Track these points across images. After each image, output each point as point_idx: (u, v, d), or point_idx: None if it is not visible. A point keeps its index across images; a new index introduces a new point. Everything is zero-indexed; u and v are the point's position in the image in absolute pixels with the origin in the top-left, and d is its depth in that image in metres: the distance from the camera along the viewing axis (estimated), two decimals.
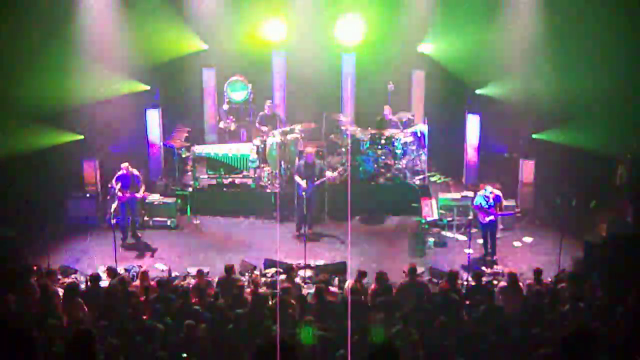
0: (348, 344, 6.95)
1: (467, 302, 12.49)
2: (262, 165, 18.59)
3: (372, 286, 12.91)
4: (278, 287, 12.56)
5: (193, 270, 14.61)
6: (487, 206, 15.66)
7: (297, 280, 14.16)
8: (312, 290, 12.75)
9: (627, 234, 14.99)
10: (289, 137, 18.38)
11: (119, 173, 16.60)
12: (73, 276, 14.87)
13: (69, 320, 11.64)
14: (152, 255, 16.33)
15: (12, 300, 12.03)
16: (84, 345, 6.50)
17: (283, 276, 13.82)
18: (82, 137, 18.38)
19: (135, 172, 16.73)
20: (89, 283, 13.38)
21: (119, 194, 16.45)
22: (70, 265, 15.44)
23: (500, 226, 16.56)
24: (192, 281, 14.08)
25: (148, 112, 19.48)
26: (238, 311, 11.53)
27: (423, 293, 12.65)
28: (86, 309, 12.05)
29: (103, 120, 18.85)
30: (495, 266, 15.50)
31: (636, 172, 17.14)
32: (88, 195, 17.95)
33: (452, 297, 12.27)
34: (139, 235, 16.94)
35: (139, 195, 16.69)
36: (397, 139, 18.37)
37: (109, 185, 17.02)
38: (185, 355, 10.38)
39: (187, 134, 19.54)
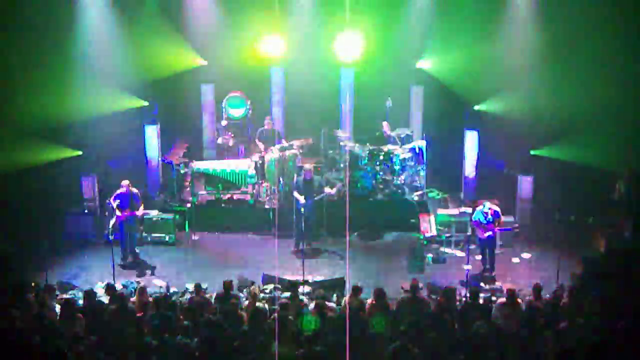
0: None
1: (465, 319, 12.44)
2: (261, 181, 18.60)
3: (370, 302, 12.87)
4: (277, 303, 12.50)
5: (191, 286, 14.56)
6: (485, 222, 15.65)
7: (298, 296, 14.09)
8: (312, 306, 12.69)
9: (626, 249, 14.98)
10: (287, 152, 18.39)
11: (119, 191, 16.45)
12: (71, 292, 14.81)
13: (67, 336, 11.56)
14: (150, 272, 16.29)
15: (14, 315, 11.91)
16: None
17: (287, 293, 13.74)
18: (80, 152, 18.37)
19: (135, 190, 16.63)
20: (84, 299, 13.31)
21: (118, 213, 16.36)
22: (69, 281, 15.40)
23: (499, 242, 16.56)
24: (190, 297, 14.00)
25: (146, 127, 19.50)
26: (242, 328, 11.45)
27: (422, 309, 12.60)
28: (84, 324, 11.99)
29: (101, 136, 18.85)
30: (493, 282, 15.47)
31: (634, 187, 17.15)
32: (86, 211, 17.95)
33: (449, 314, 12.25)
34: (137, 251, 16.86)
35: (138, 213, 16.63)
36: (395, 155, 18.38)
37: (107, 202, 17.02)
38: None
39: (185, 150, 19.58)
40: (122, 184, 16.45)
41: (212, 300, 13.47)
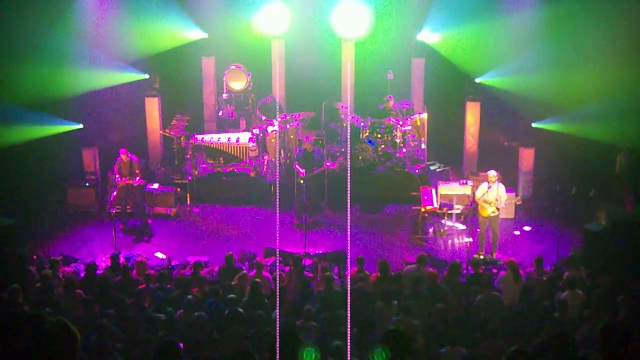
0: (347, 333, 6.93)
1: (467, 290, 12.49)
2: (262, 154, 18.59)
3: (374, 275, 12.91)
4: (277, 276, 12.55)
5: (193, 259, 14.61)
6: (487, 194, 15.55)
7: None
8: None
9: (626, 222, 14.99)
10: (288, 125, 18.36)
11: (118, 159, 16.81)
12: (73, 265, 14.86)
13: (68, 308, 11.62)
14: (151, 244, 16.32)
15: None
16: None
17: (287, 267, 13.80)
18: (81, 126, 18.33)
19: (134, 157, 16.92)
20: (85, 272, 13.36)
21: (119, 180, 16.64)
22: (70, 254, 15.44)
23: (501, 216, 16.55)
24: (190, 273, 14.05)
25: (147, 100, 19.46)
26: (231, 296, 11.49)
27: (423, 281, 12.63)
28: (84, 298, 12.02)
29: (103, 109, 18.83)
30: (495, 255, 15.49)
31: (635, 161, 17.12)
32: (87, 184, 17.96)
33: (451, 285, 12.31)
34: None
35: (135, 182, 16.79)
36: (396, 128, 18.33)
37: (109, 174, 17.09)
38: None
39: (186, 123, 19.49)
40: (120, 152, 16.78)
41: (214, 273, 13.55)
